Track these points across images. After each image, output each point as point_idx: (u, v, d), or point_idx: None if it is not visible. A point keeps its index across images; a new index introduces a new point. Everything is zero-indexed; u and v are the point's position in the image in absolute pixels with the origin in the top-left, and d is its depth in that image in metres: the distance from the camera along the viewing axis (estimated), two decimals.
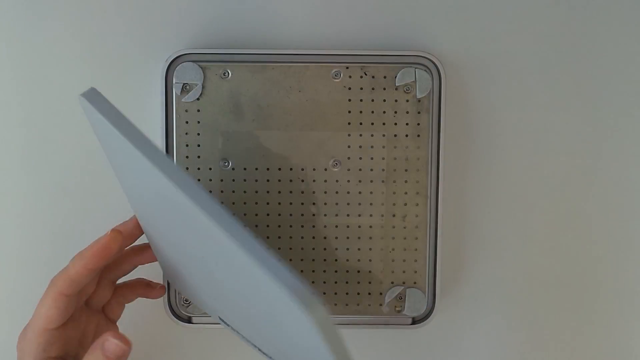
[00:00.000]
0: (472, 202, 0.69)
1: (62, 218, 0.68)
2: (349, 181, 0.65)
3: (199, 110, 0.64)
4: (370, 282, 0.66)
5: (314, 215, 0.65)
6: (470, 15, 0.67)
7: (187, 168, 0.65)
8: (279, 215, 0.65)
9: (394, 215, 0.65)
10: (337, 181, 0.65)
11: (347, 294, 0.66)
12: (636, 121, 0.68)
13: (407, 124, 0.65)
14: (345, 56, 0.65)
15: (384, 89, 0.64)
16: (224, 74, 0.64)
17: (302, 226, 0.66)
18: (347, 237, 0.66)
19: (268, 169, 0.65)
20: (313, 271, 0.66)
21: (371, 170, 0.65)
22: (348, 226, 0.66)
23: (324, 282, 0.66)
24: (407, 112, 0.65)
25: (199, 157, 0.65)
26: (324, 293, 0.66)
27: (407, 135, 0.65)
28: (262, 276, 0.39)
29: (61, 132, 0.67)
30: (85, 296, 0.60)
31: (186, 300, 0.66)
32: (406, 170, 0.65)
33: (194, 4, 0.66)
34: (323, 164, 0.65)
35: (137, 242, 0.66)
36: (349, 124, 0.65)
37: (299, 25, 0.66)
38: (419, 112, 0.65)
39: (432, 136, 0.65)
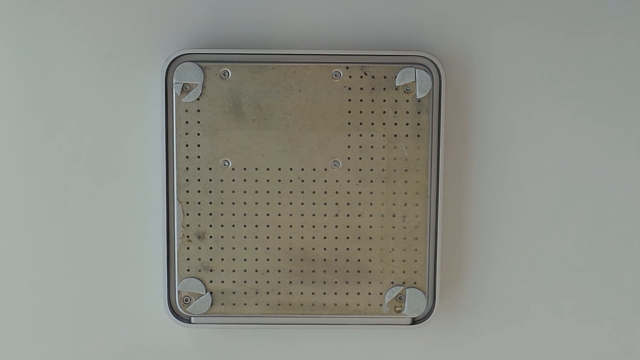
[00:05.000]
0: (472, 202, 0.69)
1: (62, 218, 0.68)
2: (349, 181, 0.65)
3: (199, 110, 0.64)
4: (370, 282, 0.66)
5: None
6: (470, 15, 0.67)
7: (187, 168, 0.65)
8: (279, 215, 0.65)
9: (394, 215, 0.65)
10: (337, 181, 0.65)
11: (347, 294, 0.66)
12: (636, 121, 0.68)
13: (407, 124, 0.65)
14: (345, 56, 0.64)
15: (384, 89, 0.64)
16: (224, 74, 0.64)
17: (302, 226, 0.66)
18: (347, 237, 0.66)
19: (268, 169, 0.65)
20: (313, 271, 0.66)
21: (371, 170, 0.65)
22: (348, 226, 0.66)
23: (324, 282, 0.66)
24: (407, 112, 0.64)
25: (199, 157, 0.65)
26: (324, 293, 0.66)
27: (407, 135, 0.65)
28: None
29: (61, 131, 0.67)
30: None
31: (186, 300, 0.66)
32: (406, 170, 0.65)
33: (194, 4, 0.66)
34: (323, 164, 0.65)
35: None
36: (349, 124, 0.65)
37: (299, 25, 0.66)
38: (419, 112, 0.65)
39: (432, 136, 0.65)
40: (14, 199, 0.68)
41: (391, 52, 0.65)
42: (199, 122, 0.64)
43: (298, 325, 0.67)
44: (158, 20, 0.66)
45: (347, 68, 0.64)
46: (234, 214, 0.65)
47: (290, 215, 0.65)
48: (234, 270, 0.66)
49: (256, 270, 0.66)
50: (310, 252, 0.66)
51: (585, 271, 0.70)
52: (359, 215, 0.65)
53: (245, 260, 0.66)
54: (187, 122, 0.64)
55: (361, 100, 0.64)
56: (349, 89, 0.64)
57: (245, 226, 0.65)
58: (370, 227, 0.66)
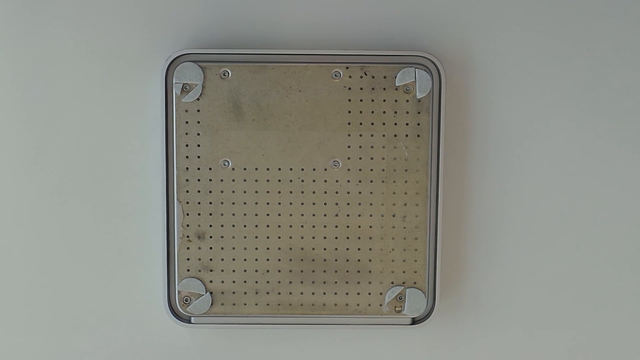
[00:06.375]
0: (472, 202, 0.69)
1: (62, 218, 0.68)
2: (349, 181, 0.65)
3: (199, 110, 0.64)
4: (370, 282, 0.66)
5: (313, 215, 0.65)
6: (470, 15, 0.67)
7: (187, 168, 0.65)
8: (279, 215, 0.65)
9: (394, 215, 0.65)
10: (337, 181, 0.65)
11: (347, 294, 0.66)
12: (636, 121, 0.68)
13: (407, 124, 0.65)
14: (345, 56, 0.64)
15: (384, 89, 0.64)
16: (224, 74, 0.64)
17: (302, 226, 0.66)
18: (347, 237, 0.66)
19: (268, 169, 0.65)
20: (313, 271, 0.66)
21: (371, 170, 0.65)
22: (348, 226, 0.66)
23: (324, 282, 0.66)
24: (407, 112, 0.64)
25: (199, 157, 0.65)
26: (324, 293, 0.66)
27: (407, 135, 0.65)
28: None
29: (61, 132, 0.67)
30: None
31: (186, 300, 0.66)
32: (406, 170, 0.65)
33: (193, 4, 0.66)
34: (323, 164, 0.65)
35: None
36: (349, 124, 0.65)
37: (299, 25, 0.66)
38: (419, 112, 0.65)
39: (432, 136, 0.65)
40: (13, 199, 0.68)
41: (391, 52, 0.65)
42: (199, 122, 0.64)
43: (298, 325, 0.67)
44: (158, 20, 0.66)
45: (347, 68, 0.64)
46: (234, 214, 0.65)
47: (290, 215, 0.65)
48: (234, 270, 0.66)
49: (256, 270, 0.66)
50: (310, 252, 0.66)
51: (585, 271, 0.70)
52: (359, 215, 0.65)
53: (245, 260, 0.66)
54: (187, 122, 0.64)
55: (361, 100, 0.64)
56: (349, 89, 0.64)
57: (245, 226, 0.65)
58: (370, 227, 0.66)
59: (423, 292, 0.66)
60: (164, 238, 0.66)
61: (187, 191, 0.65)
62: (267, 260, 0.66)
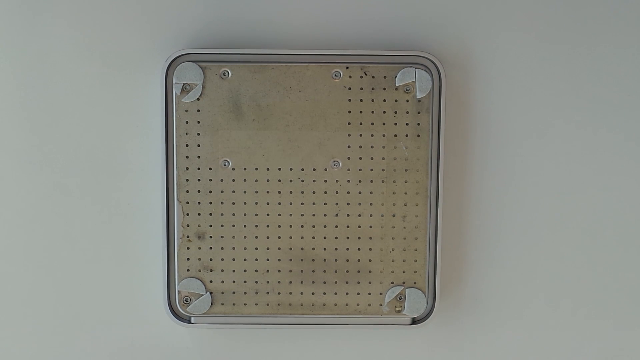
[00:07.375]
0: (472, 202, 0.69)
1: (62, 218, 0.68)
2: (349, 181, 0.65)
3: (199, 110, 0.64)
4: (370, 282, 0.66)
5: (314, 215, 0.65)
6: (470, 15, 0.67)
7: (187, 168, 0.65)
8: (279, 215, 0.65)
9: (394, 215, 0.65)
10: (337, 181, 0.65)
11: (347, 294, 0.66)
12: (636, 121, 0.68)
13: (407, 124, 0.65)
14: (345, 56, 0.64)
15: (384, 89, 0.64)
16: (224, 74, 0.64)
17: (302, 226, 0.66)
18: (347, 237, 0.66)
19: (268, 169, 0.65)
20: (313, 271, 0.66)
21: (371, 170, 0.65)
22: (348, 226, 0.66)
23: (324, 282, 0.66)
24: (407, 112, 0.64)
25: (199, 157, 0.65)
26: (324, 293, 0.66)
27: (407, 135, 0.65)
28: None
29: (61, 131, 0.67)
30: None
31: (186, 300, 0.66)
32: (406, 170, 0.65)
33: (194, 4, 0.66)
34: (323, 164, 0.65)
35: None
36: (349, 124, 0.65)
37: (299, 25, 0.66)
38: (419, 112, 0.65)
39: (432, 136, 0.65)
40: (13, 199, 0.68)
41: (391, 52, 0.65)
42: (199, 122, 0.64)
43: (298, 325, 0.67)
44: (158, 20, 0.66)
45: (347, 68, 0.64)
46: (234, 214, 0.65)
47: (290, 215, 0.65)
48: (234, 270, 0.66)
49: (256, 270, 0.66)
50: (310, 252, 0.66)
51: (584, 271, 0.70)
52: (359, 215, 0.65)
53: (245, 260, 0.66)
54: (187, 122, 0.64)
55: (361, 100, 0.64)
56: (349, 89, 0.64)
57: (245, 226, 0.65)
58: (370, 227, 0.66)
59: (423, 292, 0.66)
60: (164, 238, 0.66)
61: (187, 191, 0.65)
62: (267, 260, 0.66)
